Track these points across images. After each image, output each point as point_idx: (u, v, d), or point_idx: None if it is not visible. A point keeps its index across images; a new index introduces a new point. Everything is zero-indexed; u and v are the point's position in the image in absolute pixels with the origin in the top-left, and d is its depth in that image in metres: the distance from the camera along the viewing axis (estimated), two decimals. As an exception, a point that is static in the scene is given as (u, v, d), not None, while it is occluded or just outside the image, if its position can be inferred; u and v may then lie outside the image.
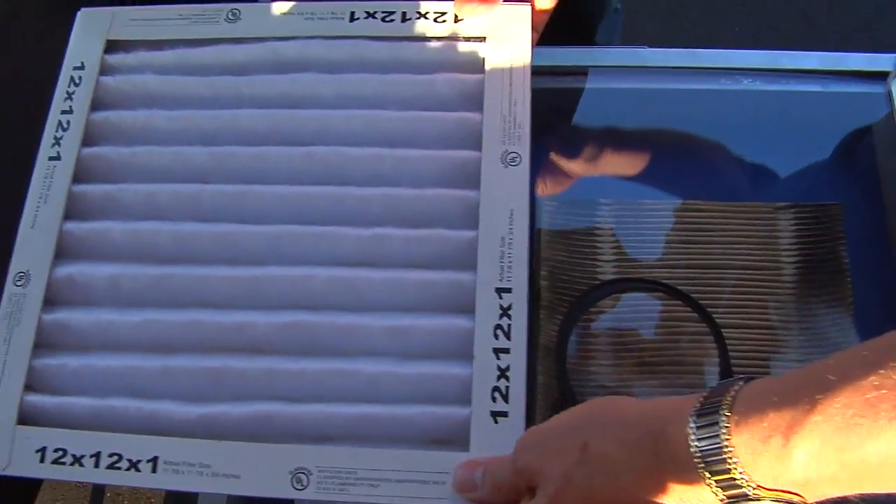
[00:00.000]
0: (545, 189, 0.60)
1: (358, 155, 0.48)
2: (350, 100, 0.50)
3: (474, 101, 0.50)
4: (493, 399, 0.43)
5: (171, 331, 0.46)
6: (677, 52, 0.61)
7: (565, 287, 0.58)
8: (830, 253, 0.59)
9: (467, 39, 0.51)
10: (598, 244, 0.59)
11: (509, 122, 0.48)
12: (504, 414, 0.43)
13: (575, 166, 0.63)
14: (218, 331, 0.46)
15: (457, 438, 0.43)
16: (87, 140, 0.51)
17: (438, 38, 0.51)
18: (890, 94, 0.59)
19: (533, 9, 0.51)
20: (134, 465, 0.43)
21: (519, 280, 0.45)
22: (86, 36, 0.53)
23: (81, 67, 0.52)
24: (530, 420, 0.44)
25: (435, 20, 0.51)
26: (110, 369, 0.46)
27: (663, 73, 0.62)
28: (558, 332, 0.54)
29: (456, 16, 0.51)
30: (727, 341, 0.54)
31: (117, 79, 0.52)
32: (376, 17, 0.52)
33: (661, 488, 0.34)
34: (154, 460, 0.43)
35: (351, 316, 0.46)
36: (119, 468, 0.43)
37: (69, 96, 0.51)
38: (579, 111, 0.64)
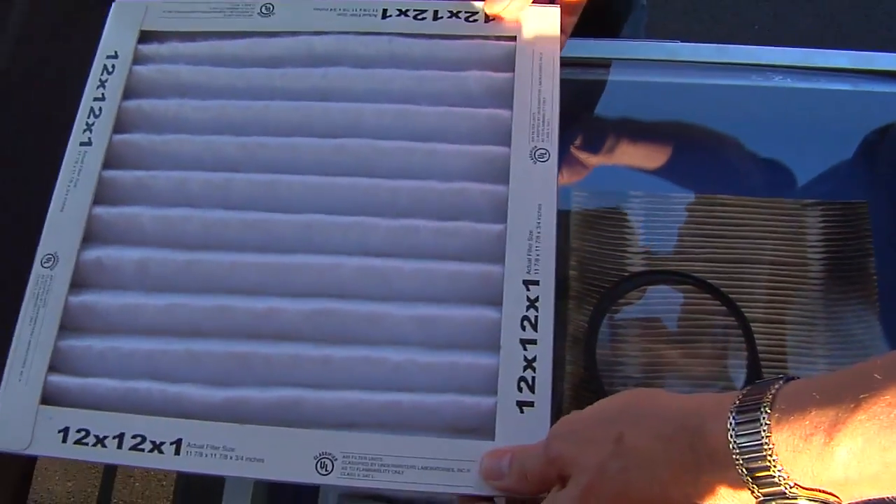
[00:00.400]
0: (567, 178, 0.61)
1: (389, 148, 0.49)
2: (381, 94, 0.51)
3: (504, 98, 0.50)
4: (520, 389, 0.43)
5: (198, 315, 0.46)
6: (708, 46, 0.63)
7: (594, 277, 0.58)
8: (857, 251, 0.59)
9: (498, 39, 0.52)
10: (627, 236, 0.60)
11: (538, 119, 0.49)
12: (530, 404, 0.43)
13: (600, 157, 0.63)
14: (245, 316, 0.46)
15: (482, 427, 0.43)
16: (119, 127, 0.51)
17: (470, 37, 0.52)
18: (918, 93, 0.59)
19: (563, 9, 0.52)
20: (157, 447, 0.43)
21: (546, 273, 0.45)
22: (119, 26, 0.53)
23: (115, 56, 0.52)
24: (557, 409, 0.44)
25: (466, 19, 0.52)
26: (136, 352, 0.46)
27: (691, 67, 0.62)
28: (588, 323, 0.55)
29: (486, 15, 0.52)
30: (757, 337, 0.54)
31: (150, 68, 0.52)
32: (408, 15, 0.52)
33: (696, 484, 0.34)
34: (178, 442, 0.43)
35: (379, 305, 0.46)
36: (142, 450, 0.43)
37: (102, 84, 0.52)
38: (607, 103, 0.65)
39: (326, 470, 0.42)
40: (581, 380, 0.56)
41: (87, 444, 0.44)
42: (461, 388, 0.44)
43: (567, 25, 0.53)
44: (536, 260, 0.46)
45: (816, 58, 0.62)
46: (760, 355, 0.54)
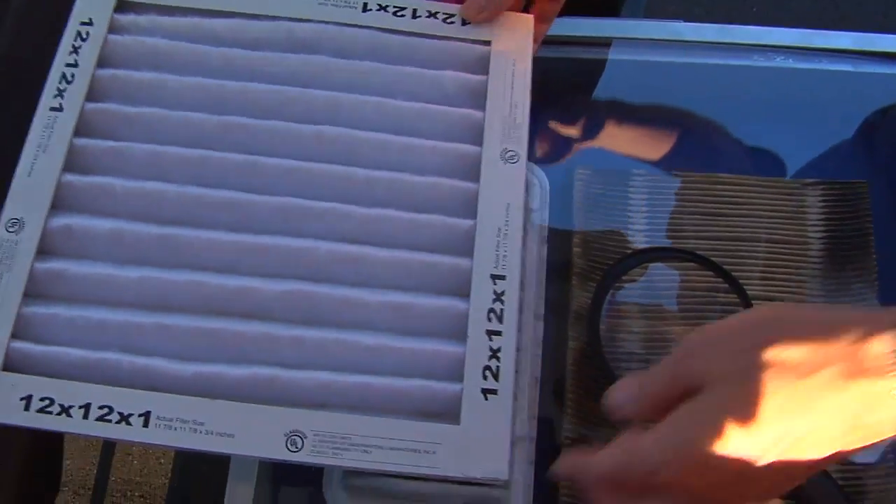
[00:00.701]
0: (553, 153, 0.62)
1: (366, 139, 0.50)
2: (360, 86, 0.52)
3: (477, 99, 0.52)
4: (485, 377, 0.45)
5: (169, 290, 0.47)
6: (710, 27, 0.64)
7: (598, 255, 0.60)
8: (857, 230, 0.61)
9: (474, 42, 0.53)
10: (630, 213, 0.61)
11: (509, 122, 0.51)
12: (494, 391, 0.45)
13: (598, 141, 0.65)
14: (218, 293, 0.47)
15: (448, 412, 0.45)
16: (92, 95, 0.50)
17: (447, 38, 0.53)
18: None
19: (536, 17, 0.54)
20: (125, 419, 0.43)
21: (512, 268, 0.48)
22: None
23: (90, 23, 0.52)
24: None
25: (444, 20, 0.54)
26: (104, 322, 0.46)
27: (692, 47, 0.64)
28: (592, 300, 0.57)
29: (464, 19, 0.54)
30: None
31: (126, 38, 0.52)
32: (388, 11, 0.54)
33: (842, 397, 0.34)
34: (146, 415, 0.43)
35: (351, 290, 0.47)
36: (109, 420, 0.43)
37: (75, 50, 0.51)
38: (607, 82, 0.66)
39: (296, 447, 0.43)
40: (584, 356, 0.57)
41: (51, 412, 0.43)
42: (429, 374, 0.46)
43: (539, 34, 0.55)
44: (504, 256, 0.48)
45: (818, 39, 0.64)
46: None
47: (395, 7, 0.54)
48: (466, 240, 0.48)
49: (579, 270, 0.60)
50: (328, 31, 0.53)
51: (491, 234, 0.48)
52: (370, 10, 0.54)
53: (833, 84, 0.66)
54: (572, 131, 0.67)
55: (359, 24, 0.53)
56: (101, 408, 0.43)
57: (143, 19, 0.53)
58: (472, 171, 0.50)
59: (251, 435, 0.43)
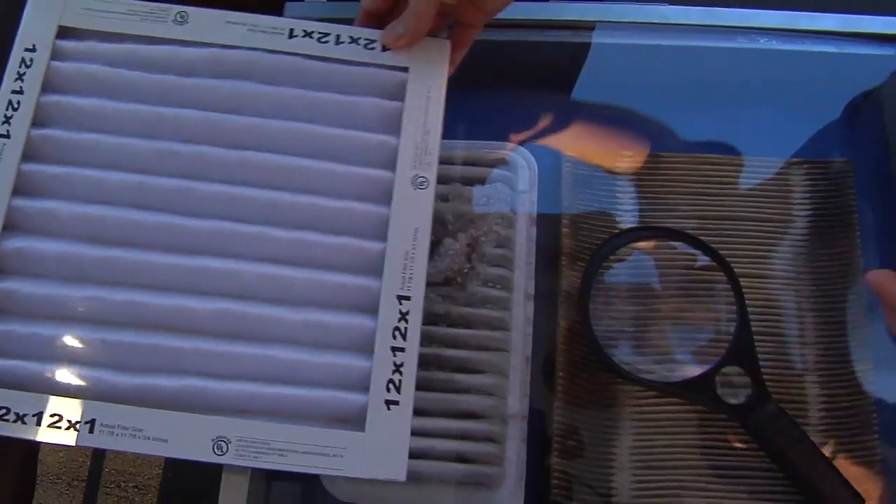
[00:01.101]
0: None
1: (288, 164, 0.55)
2: (285, 112, 0.56)
3: (393, 125, 0.56)
4: (388, 389, 0.52)
5: (111, 308, 0.52)
6: (696, 10, 0.65)
7: (586, 236, 0.63)
8: (841, 207, 0.63)
9: (391, 68, 0.58)
10: (617, 194, 0.64)
11: (421, 149, 0.56)
12: (396, 402, 0.51)
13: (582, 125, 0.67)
14: (155, 311, 0.53)
15: (355, 419, 0.51)
16: (37, 121, 0.55)
17: (367, 64, 0.57)
18: (901, 54, 0.63)
19: (453, 43, 0.58)
20: (73, 426, 0.50)
21: (417, 290, 0.53)
22: (38, 19, 0.56)
23: (33, 49, 0.56)
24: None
25: (365, 46, 0.58)
26: (55, 338, 0.52)
27: (677, 29, 0.65)
28: (582, 280, 0.59)
29: (384, 45, 0.58)
30: (742, 290, 0.58)
31: (68, 65, 0.56)
32: (313, 37, 0.57)
33: None
34: (91, 422, 0.50)
35: (273, 308, 0.53)
36: (59, 427, 0.50)
37: (20, 77, 0.55)
38: (592, 65, 0.68)
39: (222, 451, 0.50)
40: (574, 333, 0.61)
41: (7, 420, 0.50)
42: (339, 385, 0.52)
43: (457, 59, 0.59)
44: (410, 278, 0.54)
45: (802, 20, 0.65)
46: (749, 308, 0.58)
47: (319, 33, 0.58)
48: (377, 261, 0.54)
49: (568, 251, 0.63)
50: (256, 57, 0.57)
51: (399, 257, 0.54)
52: (296, 36, 0.58)
53: (817, 65, 0.67)
54: (558, 115, 0.69)
55: (285, 50, 0.57)
56: (52, 416, 0.50)
57: (83, 46, 0.57)
58: (384, 195, 0.55)
59: (183, 440, 0.50)
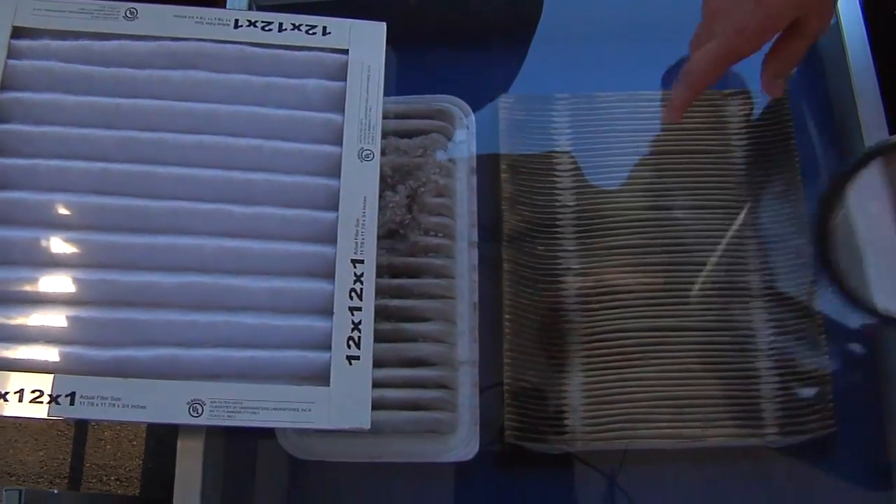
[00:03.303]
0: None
1: (242, 145, 0.59)
2: (234, 97, 0.60)
3: (337, 104, 0.61)
4: (349, 346, 0.56)
5: (83, 287, 0.56)
6: None
7: (524, 179, 0.65)
8: (778, 135, 0.64)
9: (333, 51, 0.62)
10: (554, 136, 0.65)
11: (365, 124, 0.60)
12: (357, 357, 0.56)
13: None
14: (124, 288, 0.56)
15: (320, 376, 0.55)
16: (-1, 118, 0.58)
17: (310, 49, 0.62)
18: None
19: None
20: (54, 400, 0.53)
21: (369, 253, 0.58)
22: None
23: (-11, 51, 0.59)
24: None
25: (307, 32, 0.62)
26: (32, 320, 0.55)
27: None
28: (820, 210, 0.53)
29: (324, 28, 0.62)
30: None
31: (25, 63, 0.59)
32: (257, 26, 0.61)
33: None
34: (72, 395, 0.53)
35: (237, 279, 0.57)
36: (41, 402, 0.53)
37: None
38: (524, 12, 0.71)
39: (197, 413, 0.54)
40: (517, 276, 0.62)
41: None
42: (303, 346, 0.56)
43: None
44: (362, 243, 0.58)
45: None
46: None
47: (263, 22, 0.62)
48: (330, 230, 0.58)
49: (508, 195, 0.64)
50: (204, 48, 0.61)
51: (350, 225, 0.58)
52: (241, 26, 0.61)
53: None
54: (495, 65, 0.72)
55: (231, 39, 0.61)
56: (33, 391, 0.53)
57: (38, 44, 0.60)
58: (334, 169, 0.59)
59: (160, 406, 0.54)
